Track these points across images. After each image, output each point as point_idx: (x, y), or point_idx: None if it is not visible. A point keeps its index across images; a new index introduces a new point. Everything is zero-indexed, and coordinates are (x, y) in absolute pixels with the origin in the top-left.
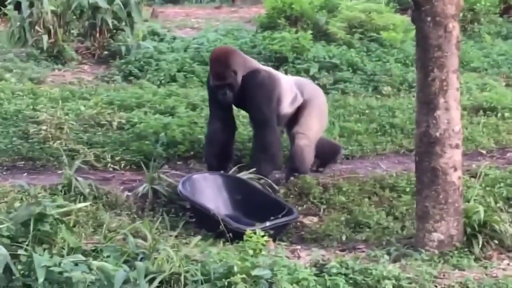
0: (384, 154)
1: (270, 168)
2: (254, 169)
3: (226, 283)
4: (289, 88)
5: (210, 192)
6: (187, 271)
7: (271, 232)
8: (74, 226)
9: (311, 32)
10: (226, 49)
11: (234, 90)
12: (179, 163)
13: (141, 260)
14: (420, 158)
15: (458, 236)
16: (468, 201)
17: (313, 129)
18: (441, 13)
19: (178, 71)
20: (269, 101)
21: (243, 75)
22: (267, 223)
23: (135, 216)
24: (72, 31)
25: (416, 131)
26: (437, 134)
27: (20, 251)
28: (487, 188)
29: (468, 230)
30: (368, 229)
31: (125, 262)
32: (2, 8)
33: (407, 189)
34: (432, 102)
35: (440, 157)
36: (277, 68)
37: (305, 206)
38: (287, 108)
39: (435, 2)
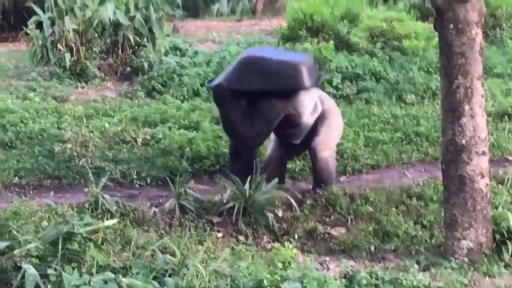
0: (410, 163)
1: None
2: None
3: None
4: (311, 96)
5: None
6: (216, 286)
7: None
8: (102, 243)
9: (332, 42)
10: None
11: None
12: (205, 177)
13: (170, 276)
14: (447, 166)
15: (488, 243)
16: (496, 208)
17: (334, 139)
18: (464, 20)
19: (201, 85)
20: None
21: None
22: None
23: (163, 232)
24: (94, 49)
25: (442, 139)
26: (463, 141)
27: (49, 271)
28: None
29: (497, 237)
30: (396, 239)
31: (155, 278)
32: (24, 27)
33: (434, 198)
34: (457, 109)
35: (467, 165)
36: None
37: (332, 217)
38: (308, 117)
39: (457, 9)
